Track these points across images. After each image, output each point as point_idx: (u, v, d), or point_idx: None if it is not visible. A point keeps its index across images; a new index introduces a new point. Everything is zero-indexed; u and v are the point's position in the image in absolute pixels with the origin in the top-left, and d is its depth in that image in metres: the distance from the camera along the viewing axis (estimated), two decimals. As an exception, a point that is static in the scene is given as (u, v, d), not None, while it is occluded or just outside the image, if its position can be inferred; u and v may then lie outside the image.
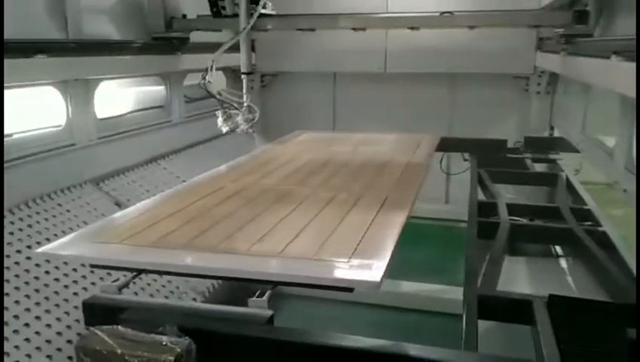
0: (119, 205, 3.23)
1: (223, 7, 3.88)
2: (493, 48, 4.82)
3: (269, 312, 1.46)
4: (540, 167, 4.10)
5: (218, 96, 3.46)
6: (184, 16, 4.14)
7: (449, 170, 4.87)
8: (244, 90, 3.66)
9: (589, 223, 2.69)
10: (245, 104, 3.55)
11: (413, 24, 3.91)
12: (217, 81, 5.33)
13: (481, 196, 3.28)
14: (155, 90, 4.27)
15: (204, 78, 3.45)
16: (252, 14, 3.61)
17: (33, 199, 2.84)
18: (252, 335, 1.39)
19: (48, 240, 2.64)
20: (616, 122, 2.72)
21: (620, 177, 2.62)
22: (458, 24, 3.92)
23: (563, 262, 2.56)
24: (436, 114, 5.21)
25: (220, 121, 3.51)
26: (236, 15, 3.71)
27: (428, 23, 3.95)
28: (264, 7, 3.66)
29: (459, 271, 4.17)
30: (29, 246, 2.54)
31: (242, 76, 3.76)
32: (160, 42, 4.01)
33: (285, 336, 1.40)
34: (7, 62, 2.56)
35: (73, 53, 3.04)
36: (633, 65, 1.97)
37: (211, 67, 3.45)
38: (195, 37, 4.31)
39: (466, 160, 4.13)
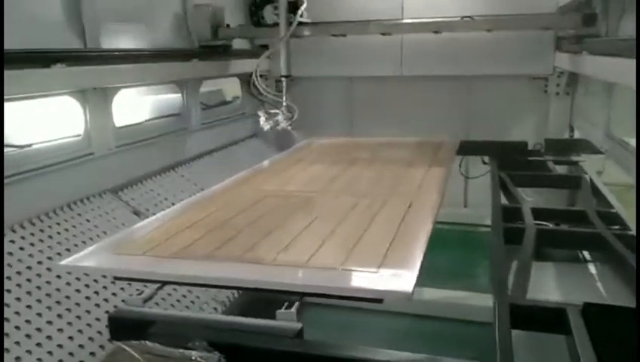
0: (138, 214, 3.22)
1: (262, 17, 4.53)
2: (510, 49, 4.76)
3: (298, 325, 1.42)
4: (561, 169, 4.03)
5: (260, 97, 4.09)
6: (228, 25, 4.51)
7: (468, 173, 4.80)
8: (284, 91, 4.10)
9: (617, 227, 2.63)
10: (285, 104, 4.00)
11: (437, 28, 4.24)
12: (232, 88, 5.36)
13: (503, 200, 3.22)
14: (172, 98, 4.26)
15: (249, 83, 4.28)
16: (291, 22, 3.98)
17: (53, 210, 2.83)
18: (282, 349, 1.36)
19: (69, 250, 2.64)
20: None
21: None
22: (478, 27, 4.23)
23: (592, 268, 2.49)
24: (454, 116, 5.15)
25: (262, 120, 3.96)
26: (276, 24, 4.11)
27: (450, 27, 4.24)
28: (301, 16, 4.02)
29: (482, 275, 4.15)
30: (49, 258, 2.53)
31: (282, 79, 4.16)
32: (206, 49, 4.36)
33: (316, 350, 1.36)
34: (25, 72, 2.57)
35: (91, 62, 3.04)
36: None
37: (256, 71, 4.09)
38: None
39: (485, 163, 4.07)
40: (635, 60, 2.32)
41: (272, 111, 3.93)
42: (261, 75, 5.30)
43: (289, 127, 3.97)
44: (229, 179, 2.83)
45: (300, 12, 4.01)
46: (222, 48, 4.53)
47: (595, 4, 3.75)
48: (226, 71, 4.72)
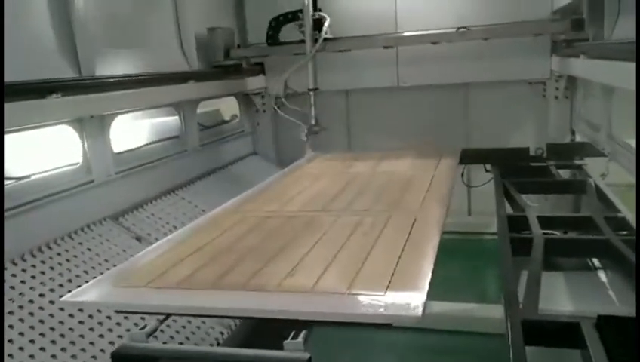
0: (140, 240, 3.19)
1: (277, 37, 4.85)
2: (506, 55, 4.75)
3: (307, 355, 1.38)
4: (564, 174, 3.99)
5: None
6: (239, 46, 5.01)
7: (470, 182, 4.77)
8: (313, 104, 4.62)
9: (625, 232, 2.59)
10: (314, 116, 4.62)
11: (435, 40, 4.57)
12: (230, 107, 5.37)
13: (507, 208, 3.19)
14: (170, 121, 4.25)
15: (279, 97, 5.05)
16: (317, 39, 4.44)
17: (54, 240, 2.80)
18: (290, 381, 1.32)
19: (70, 281, 2.61)
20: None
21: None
22: (473, 37, 4.46)
23: (602, 275, 2.45)
24: (453, 125, 5.12)
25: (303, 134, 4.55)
26: (290, 42, 4.73)
27: (447, 38, 4.53)
28: (326, 33, 4.49)
29: (490, 285, 4.10)
30: (52, 290, 2.50)
31: (310, 92, 4.59)
32: (219, 69, 4.72)
33: (326, 381, 1.32)
34: (20, 104, 2.56)
35: (87, 90, 3.02)
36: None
37: (285, 83, 4.74)
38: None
39: (487, 171, 4.04)
40: (634, 63, 2.31)
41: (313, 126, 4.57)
42: (257, 93, 5.33)
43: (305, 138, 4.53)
44: (230, 201, 2.80)
45: (324, 29, 4.45)
46: (233, 68, 4.86)
47: (582, 9, 3.81)
48: (225, 90, 4.83)
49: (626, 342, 1.63)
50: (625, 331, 1.69)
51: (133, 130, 3.92)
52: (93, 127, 3.22)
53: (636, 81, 1.65)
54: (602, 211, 2.95)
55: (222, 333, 2.83)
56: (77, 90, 2.96)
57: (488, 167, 4.02)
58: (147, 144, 3.90)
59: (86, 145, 3.19)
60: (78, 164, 3.18)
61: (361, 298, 1.52)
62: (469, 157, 3.99)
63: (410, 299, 1.47)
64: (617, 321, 1.72)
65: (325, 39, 4.47)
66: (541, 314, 1.85)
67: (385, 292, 1.53)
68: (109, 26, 3.52)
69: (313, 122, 4.61)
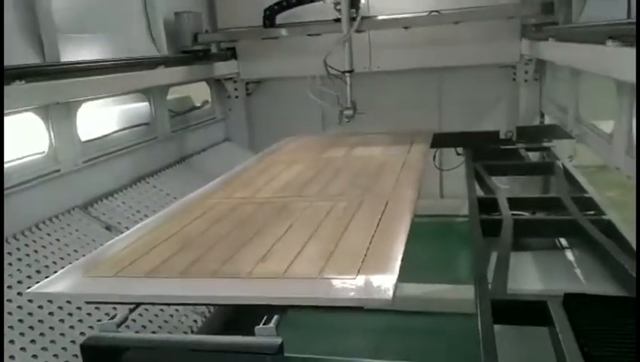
0: (110, 229, 3.14)
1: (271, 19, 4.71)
2: (477, 39, 4.78)
3: (278, 340, 1.38)
4: (533, 156, 4.06)
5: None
6: (207, 31, 4.82)
7: (442, 165, 4.81)
8: (349, 86, 4.29)
9: (592, 212, 2.65)
10: (349, 99, 4.28)
11: (407, 24, 4.61)
12: (201, 93, 5.31)
13: (478, 190, 3.23)
14: (139, 107, 4.17)
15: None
16: (354, 18, 4.20)
17: (21, 231, 2.74)
18: (263, 367, 1.32)
19: (39, 272, 2.56)
20: (615, 108, 2.68)
21: (621, 163, 2.57)
22: (445, 21, 4.49)
23: (570, 255, 2.50)
24: (425, 109, 5.15)
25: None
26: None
27: (420, 22, 4.58)
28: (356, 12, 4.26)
29: (461, 267, 4.16)
30: (19, 282, 2.45)
31: (346, 74, 4.28)
32: (188, 55, 4.59)
33: (298, 365, 1.32)
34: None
35: (52, 76, 2.94)
36: (630, 49, 1.92)
37: (326, 64, 4.12)
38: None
39: (459, 154, 4.08)
40: (601, 45, 2.34)
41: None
42: (229, 78, 5.27)
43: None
44: (202, 188, 2.77)
45: (361, 6, 4.23)
46: (202, 53, 4.71)
47: None
48: (196, 76, 4.73)
49: (591, 318, 1.68)
50: (590, 308, 1.73)
51: (100, 117, 3.84)
52: (59, 115, 3.15)
53: (636, 82, 1.67)
54: (570, 192, 3.01)
55: (195, 321, 2.82)
56: (42, 77, 2.88)
57: (460, 150, 4.07)
58: (116, 131, 3.83)
59: (52, 133, 3.11)
60: (44, 152, 3.11)
61: (332, 282, 1.52)
62: (440, 141, 4.02)
63: (381, 282, 1.47)
64: (583, 299, 1.77)
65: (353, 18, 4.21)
66: (510, 294, 1.89)
67: (356, 276, 1.53)
68: (74, 9, 3.43)
69: (349, 105, 4.30)
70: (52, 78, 2.95)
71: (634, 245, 2.20)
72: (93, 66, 3.32)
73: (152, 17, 4.26)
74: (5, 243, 2.63)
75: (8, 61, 2.74)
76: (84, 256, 2.42)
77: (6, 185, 2.77)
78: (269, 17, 4.72)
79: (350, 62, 4.26)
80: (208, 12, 5.16)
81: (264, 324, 1.43)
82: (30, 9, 3.03)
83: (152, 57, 4.10)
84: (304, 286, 1.52)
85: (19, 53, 2.94)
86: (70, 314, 2.43)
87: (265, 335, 1.41)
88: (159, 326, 2.62)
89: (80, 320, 2.42)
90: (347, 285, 1.49)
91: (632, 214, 2.34)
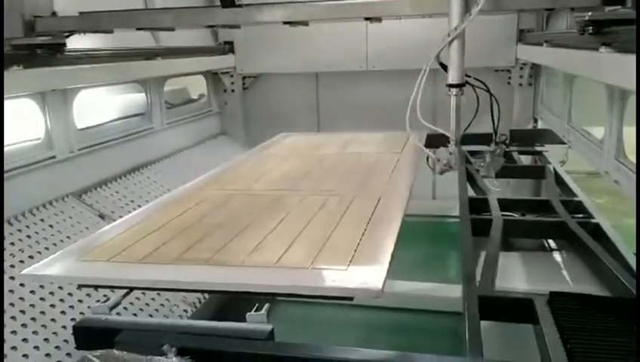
0: (103, 218, 3.15)
1: None
2: (473, 42, 4.79)
3: (269, 327, 1.41)
4: (525, 160, 4.10)
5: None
6: (54, 14, 2.79)
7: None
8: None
9: (581, 216, 2.69)
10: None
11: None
12: (197, 85, 5.30)
13: (470, 191, 3.27)
14: (136, 97, 4.18)
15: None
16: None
17: (14, 216, 2.75)
18: (253, 352, 1.35)
19: (32, 258, 2.56)
20: (605, 113, 2.72)
21: (611, 168, 2.62)
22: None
23: (557, 256, 2.55)
24: (420, 110, 5.17)
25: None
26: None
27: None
28: None
29: (451, 266, 4.20)
30: (12, 266, 2.46)
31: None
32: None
33: (287, 352, 1.35)
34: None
35: (50, 63, 2.94)
36: (623, 56, 1.96)
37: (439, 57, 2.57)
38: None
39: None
40: (595, 52, 2.38)
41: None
42: (225, 72, 5.28)
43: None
44: (196, 180, 2.79)
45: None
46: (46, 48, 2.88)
47: None
48: (193, 68, 4.72)
49: (576, 317, 1.72)
50: (575, 307, 1.77)
51: (97, 105, 3.84)
52: (56, 102, 3.15)
53: (636, 81, 1.71)
54: (560, 195, 3.05)
55: (185, 311, 2.84)
56: (39, 63, 2.88)
57: (453, 151, 4.09)
58: (112, 121, 3.83)
59: (48, 119, 3.12)
60: (40, 139, 3.11)
61: (323, 272, 1.55)
62: (434, 141, 4.05)
63: (371, 274, 1.50)
64: (568, 297, 1.81)
65: None
66: (497, 291, 1.93)
67: (347, 267, 1.56)
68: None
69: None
70: (50, 65, 2.95)
71: (620, 247, 2.25)
72: (91, 54, 3.32)
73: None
74: (-2, 227, 2.63)
75: (7, 46, 2.74)
76: (77, 242, 2.44)
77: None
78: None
79: None
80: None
81: (255, 311, 1.45)
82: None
83: (150, 48, 4.10)
84: (296, 276, 1.54)
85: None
86: (62, 300, 2.44)
87: (255, 321, 1.44)
88: (150, 315, 2.63)
89: (71, 306, 2.43)
90: (338, 276, 1.52)
91: (619, 219, 2.39)
